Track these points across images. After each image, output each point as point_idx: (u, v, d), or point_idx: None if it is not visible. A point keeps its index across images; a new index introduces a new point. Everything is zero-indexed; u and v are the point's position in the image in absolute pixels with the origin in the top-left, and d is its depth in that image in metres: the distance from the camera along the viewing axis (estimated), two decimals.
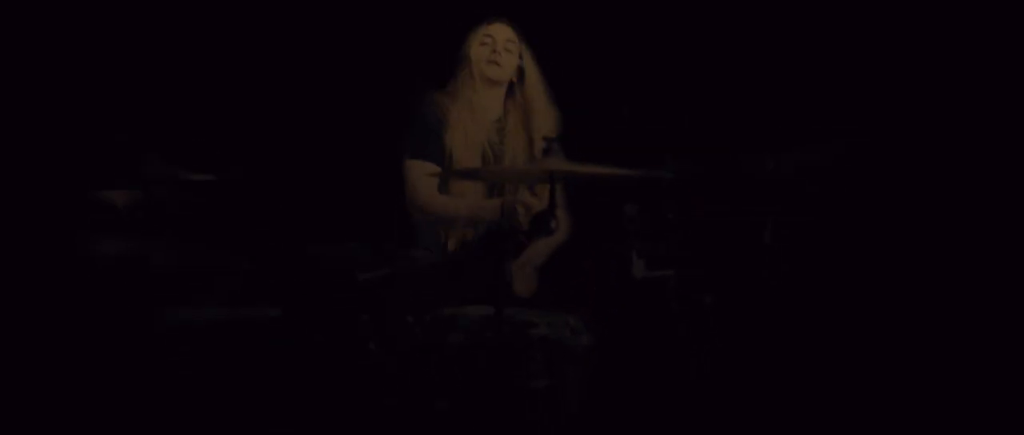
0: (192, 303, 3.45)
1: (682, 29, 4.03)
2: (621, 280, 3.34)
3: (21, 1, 3.91)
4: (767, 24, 3.96)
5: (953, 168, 3.70)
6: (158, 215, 3.36)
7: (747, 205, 3.36)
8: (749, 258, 3.36)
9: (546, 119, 3.56)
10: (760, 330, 3.53)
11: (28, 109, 3.94)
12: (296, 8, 4.10)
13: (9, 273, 3.70)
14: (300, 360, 3.34)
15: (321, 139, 4.11)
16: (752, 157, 3.26)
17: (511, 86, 3.59)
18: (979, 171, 3.68)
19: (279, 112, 4.11)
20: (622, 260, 3.29)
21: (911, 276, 3.68)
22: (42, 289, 3.63)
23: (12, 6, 3.90)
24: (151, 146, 3.31)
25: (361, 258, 3.19)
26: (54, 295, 3.59)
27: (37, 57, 3.95)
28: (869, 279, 3.70)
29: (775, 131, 3.71)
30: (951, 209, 3.68)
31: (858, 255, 3.71)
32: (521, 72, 3.57)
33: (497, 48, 3.52)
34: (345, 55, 4.13)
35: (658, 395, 3.44)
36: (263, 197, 3.79)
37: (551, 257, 3.51)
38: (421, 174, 3.44)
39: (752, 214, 3.28)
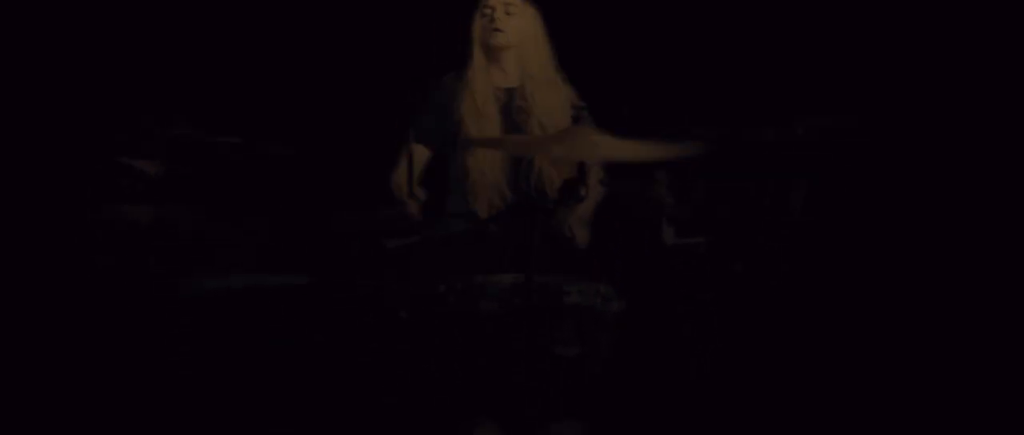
0: (218, 270, 3.46)
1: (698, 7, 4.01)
2: (652, 246, 3.35)
3: None
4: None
5: (962, 166, 3.67)
6: (187, 182, 3.37)
7: (776, 173, 3.37)
8: (776, 228, 3.38)
9: (551, 85, 3.50)
10: (785, 301, 3.55)
11: (47, 75, 3.94)
12: None
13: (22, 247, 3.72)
14: (328, 328, 3.36)
15: (350, 105, 4.11)
16: (781, 124, 3.26)
17: None
18: (984, 168, 3.65)
19: (309, 80, 4.11)
20: (653, 227, 3.30)
21: (913, 275, 3.66)
22: (60, 256, 3.66)
23: None
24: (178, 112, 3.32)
25: (390, 225, 3.19)
26: (70, 263, 3.62)
27: (55, 23, 3.95)
28: (872, 278, 3.68)
29: (795, 101, 3.70)
30: (954, 209, 3.66)
31: (862, 253, 3.69)
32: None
33: (496, 15, 3.44)
34: (374, 21, 4.12)
35: (685, 363, 3.47)
36: (292, 164, 3.79)
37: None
38: (414, 157, 3.41)
39: (782, 182, 3.29)
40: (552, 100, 3.46)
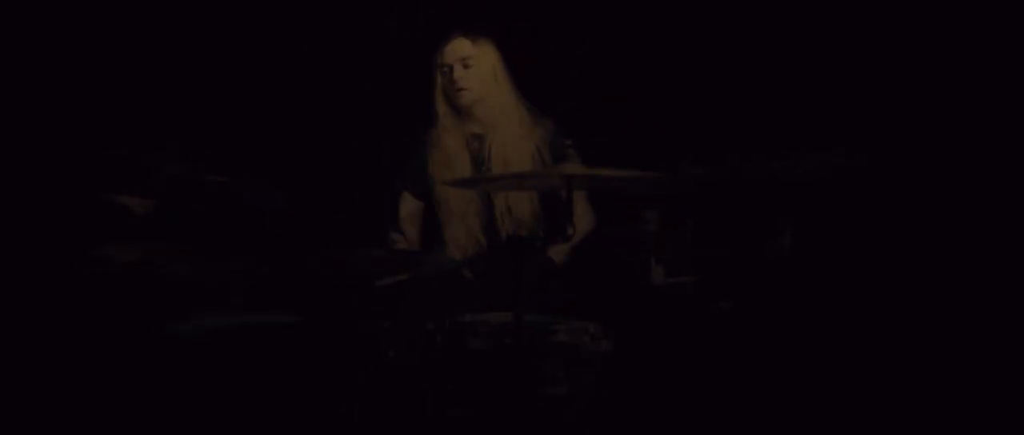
0: (206, 311, 3.45)
1: (691, 33, 4.03)
2: (641, 286, 3.34)
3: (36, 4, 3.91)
4: (776, 27, 3.96)
5: (968, 174, 3.69)
6: (174, 220, 3.35)
7: (765, 210, 3.36)
8: (766, 265, 3.37)
9: (519, 122, 3.49)
10: (775, 338, 3.54)
11: (39, 112, 3.93)
12: (312, 15, 4.12)
13: (20, 278, 3.71)
14: (316, 368, 3.34)
15: (338, 144, 4.12)
16: (765, 159, 3.26)
17: None
18: (993, 178, 3.67)
19: (296, 116, 4.12)
20: (642, 266, 3.30)
21: (924, 283, 3.67)
22: (51, 294, 3.64)
23: (26, 8, 3.90)
24: (168, 148, 3.31)
25: (380, 264, 3.19)
26: (62, 300, 3.60)
27: (50, 59, 3.95)
28: (884, 287, 3.70)
29: (786, 136, 3.71)
30: (966, 216, 3.68)
31: (873, 264, 3.71)
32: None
33: (455, 74, 3.39)
34: (363, 59, 4.13)
35: (674, 403, 3.45)
36: (281, 201, 3.79)
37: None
38: (404, 205, 3.49)
39: (770, 219, 3.29)
40: (515, 139, 3.45)
